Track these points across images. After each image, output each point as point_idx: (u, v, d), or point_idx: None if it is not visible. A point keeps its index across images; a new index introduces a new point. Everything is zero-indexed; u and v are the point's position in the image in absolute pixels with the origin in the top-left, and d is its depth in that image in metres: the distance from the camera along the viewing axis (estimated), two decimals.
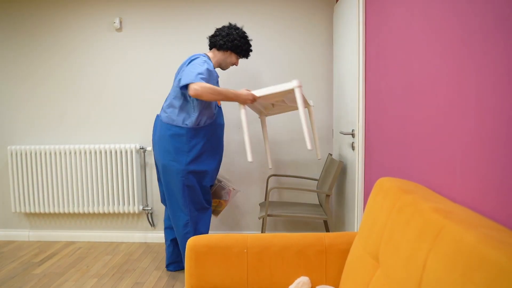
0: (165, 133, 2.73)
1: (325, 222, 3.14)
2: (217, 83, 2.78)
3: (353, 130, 2.67)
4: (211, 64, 2.72)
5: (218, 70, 3.53)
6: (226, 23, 3.53)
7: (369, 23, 2.37)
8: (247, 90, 2.65)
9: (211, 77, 2.63)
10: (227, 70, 3.53)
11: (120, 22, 3.57)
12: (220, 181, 2.97)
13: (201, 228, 2.83)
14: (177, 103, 2.71)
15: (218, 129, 2.84)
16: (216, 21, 3.52)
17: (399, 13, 1.86)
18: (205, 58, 2.72)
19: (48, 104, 3.70)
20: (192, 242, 1.73)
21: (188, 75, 2.55)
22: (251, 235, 1.77)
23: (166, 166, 2.74)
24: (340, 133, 2.77)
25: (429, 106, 1.50)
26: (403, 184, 1.43)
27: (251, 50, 2.92)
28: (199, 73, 2.55)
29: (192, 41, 3.55)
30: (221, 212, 3.50)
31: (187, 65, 2.67)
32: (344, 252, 1.71)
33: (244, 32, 2.86)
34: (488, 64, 1.10)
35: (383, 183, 1.51)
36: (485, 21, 1.12)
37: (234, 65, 2.95)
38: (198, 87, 2.48)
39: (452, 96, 1.31)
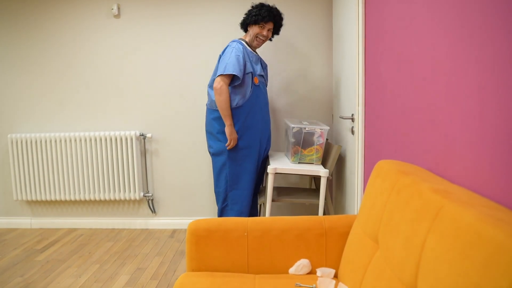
0: (209, 118, 3.01)
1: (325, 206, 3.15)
2: (253, 63, 2.95)
3: (352, 115, 2.66)
4: (240, 48, 2.86)
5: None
6: (223, 7, 3.50)
7: (369, 5, 2.35)
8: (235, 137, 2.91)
9: (239, 63, 2.80)
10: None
11: (118, 8, 3.54)
12: (304, 128, 2.87)
13: (239, 205, 2.99)
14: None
15: (255, 108, 2.94)
16: (216, 4, 3.49)
17: None
18: (234, 44, 2.89)
19: (47, 92, 3.69)
20: (193, 226, 1.74)
21: (220, 66, 2.83)
22: (251, 219, 1.78)
23: (210, 146, 3.03)
24: (340, 117, 2.77)
25: (428, 88, 1.50)
26: (402, 166, 1.43)
27: (265, 15, 2.88)
28: (226, 65, 2.79)
29: (191, 27, 3.53)
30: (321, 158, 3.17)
31: (223, 53, 2.91)
32: (343, 235, 1.72)
33: (262, 3, 2.94)
34: (489, 45, 1.09)
35: (382, 166, 1.51)
36: (486, 4, 1.11)
37: (263, 37, 2.95)
38: (219, 86, 2.80)
39: (452, 78, 1.31)
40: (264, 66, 3.12)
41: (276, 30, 3.04)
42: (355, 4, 2.52)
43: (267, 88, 3.48)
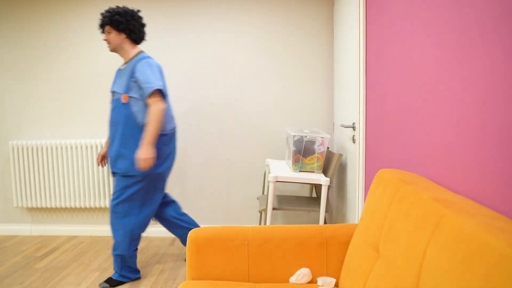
0: None
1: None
2: (116, 80, 2.80)
3: (353, 123, 2.67)
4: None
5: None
6: (225, 14, 3.52)
7: (370, 15, 2.37)
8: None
9: None
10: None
11: None
12: (305, 136, 2.84)
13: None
14: None
15: (110, 126, 2.78)
16: (215, 13, 3.52)
17: (399, 5, 1.85)
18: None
19: (48, 99, 3.70)
20: (193, 234, 1.74)
21: None
22: (252, 227, 1.77)
23: None
24: (341, 126, 2.77)
25: (429, 97, 1.50)
26: (403, 175, 1.43)
27: (100, 27, 2.74)
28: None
29: (191, 35, 3.55)
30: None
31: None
32: (344, 244, 1.71)
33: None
34: (487, 53, 1.10)
35: (383, 175, 1.51)
36: (485, 10, 1.11)
37: (107, 42, 2.76)
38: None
39: (453, 87, 1.31)
40: (128, 78, 2.68)
41: (115, 25, 2.68)
42: (356, 14, 2.54)
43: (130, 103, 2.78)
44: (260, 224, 3.50)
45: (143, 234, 3.74)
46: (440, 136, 1.40)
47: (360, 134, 2.52)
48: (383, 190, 1.42)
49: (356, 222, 2.64)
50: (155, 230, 3.73)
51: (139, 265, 3.08)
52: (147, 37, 3.58)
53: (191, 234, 1.75)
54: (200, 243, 1.72)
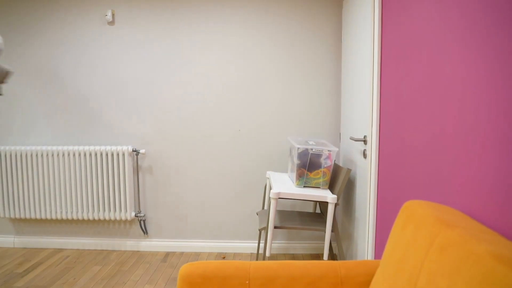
0: None
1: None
2: None
3: (365, 137, 2.42)
4: None
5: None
6: (223, 16, 3.27)
7: (386, 16, 2.12)
8: None
9: None
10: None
11: (113, 15, 3.31)
12: (310, 149, 2.63)
13: None
14: None
15: None
16: (212, 13, 3.27)
17: (423, 5, 1.61)
18: None
19: (34, 102, 3.44)
20: (185, 271, 1.48)
21: None
22: (254, 263, 1.52)
23: None
24: (351, 139, 2.53)
25: (461, 110, 1.26)
26: (440, 211, 1.19)
27: None
28: None
29: (186, 34, 3.30)
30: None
31: None
32: (362, 285, 1.47)
33: None
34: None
35: (414, 209, 1.26)
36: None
37: None
38: None
39: (489, 98, 1.07)
40: None
41: None
42: (370, 15, 2.29)
43: None
44: (259, 241, 3.25)
45: (133, 249, 3.49)
46: (474, 156, 1.15)
47: (373, 148, 2.27)
48: (416, 230, 1.17)
49: (366, 246, 2.39)
50: (146, 244, 3.48)
51: (128, 284, 2.82)
52: (143, 40, 3.33)
53: (183, 270, 1.50)
54: (192, 282, 1.46)
